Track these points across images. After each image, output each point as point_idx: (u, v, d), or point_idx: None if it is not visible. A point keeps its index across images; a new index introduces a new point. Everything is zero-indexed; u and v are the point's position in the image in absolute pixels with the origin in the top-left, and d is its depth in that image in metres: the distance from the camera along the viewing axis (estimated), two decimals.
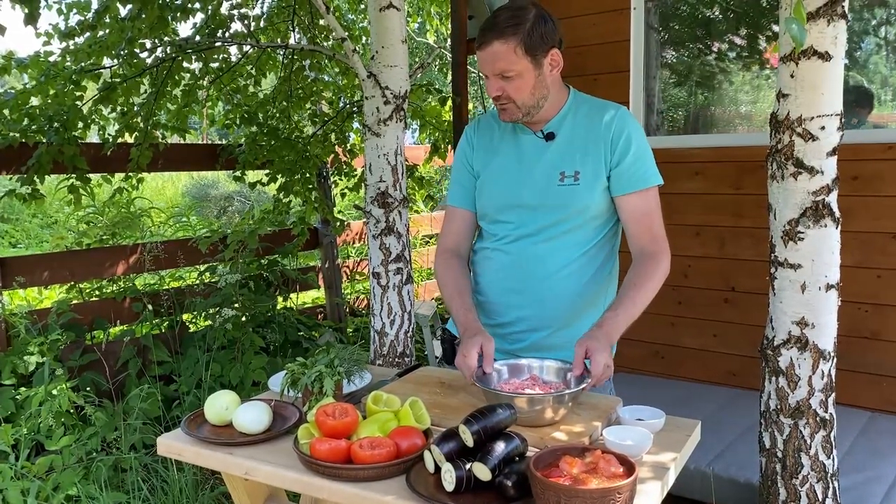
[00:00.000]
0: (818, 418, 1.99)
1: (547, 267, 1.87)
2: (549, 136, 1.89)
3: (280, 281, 4.59)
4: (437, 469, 1.36)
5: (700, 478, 2.47)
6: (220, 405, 1.67)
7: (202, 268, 4.25)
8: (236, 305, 3.77)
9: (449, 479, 1.31)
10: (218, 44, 3.90)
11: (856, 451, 2.61)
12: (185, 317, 4.23)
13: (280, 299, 4.62)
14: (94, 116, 3.95)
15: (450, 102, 4.41)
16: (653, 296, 1.82)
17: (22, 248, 10.02)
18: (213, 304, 3.78)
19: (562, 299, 1.87)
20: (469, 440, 1.37)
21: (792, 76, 1.92)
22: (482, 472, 1.30)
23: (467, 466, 1.31)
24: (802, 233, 1.96)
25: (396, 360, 2.92)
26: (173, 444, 1.63)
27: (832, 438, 2.01)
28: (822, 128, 1.93)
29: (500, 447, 1.35)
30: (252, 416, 1.62)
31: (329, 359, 1.69)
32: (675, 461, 1.51)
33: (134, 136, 4.04)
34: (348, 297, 5.66)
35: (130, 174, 4.04)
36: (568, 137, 1.87)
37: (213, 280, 4.07)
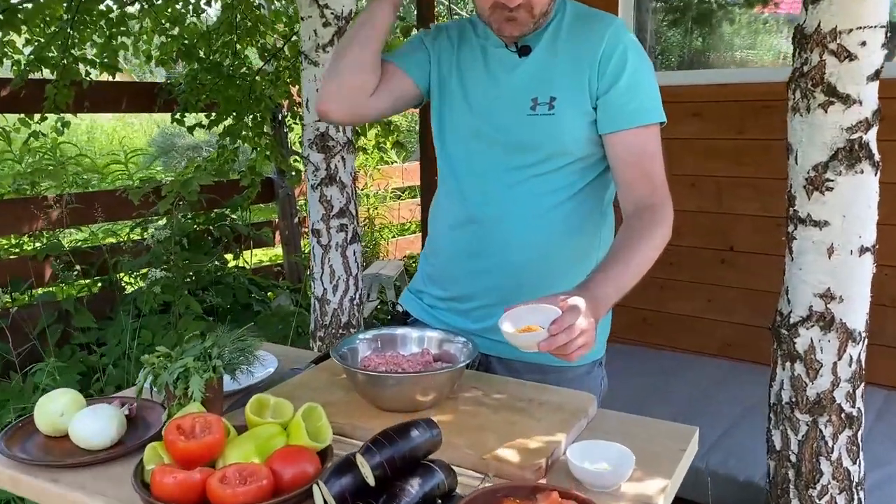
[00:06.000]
0: (843, 415, 1.58)
1: (516, 220, 1.44)
2: (524, 51, 1.44)
3: (231, 237, 4.14)
4: None
5: (693, 474, 2.09)
6: (54, 409, 1.24)
7: (139, 222, 3.78)
8: (166, 266, 3.32)
9: None
10: None
11: (874, 440, 2.23)
12: (124, 278, 3.79)
13: (230, 257, 4.17)
14: (6, 49, 3.44)
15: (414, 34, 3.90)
16: (651, 261, 1.37)
17: None
18: (141, 264, 3.33)
19: (537, 262, 1.43)
20: (369, 477, 0.94)
21: None
22: None
23: None
24: (832, 181, 1.53)
25: (340, 331, 2.51)
26: None
27: (859, 439, 1.62)
28: (863, 43, 1.48)
29: (414, 487, 0.93)
30: (94, 425, 1.20)
31: (202, 347, 1.26)
32: (666, 492, 1.11)
33: (55, 72, 3.53)
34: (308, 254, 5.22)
35: (48, 115, 3.53)
36: (546, 54, 1.43)
37: (148, 237, 3.61)
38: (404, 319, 1.67)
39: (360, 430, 1.23)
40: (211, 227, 4.04)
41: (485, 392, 1.38)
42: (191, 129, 3.89)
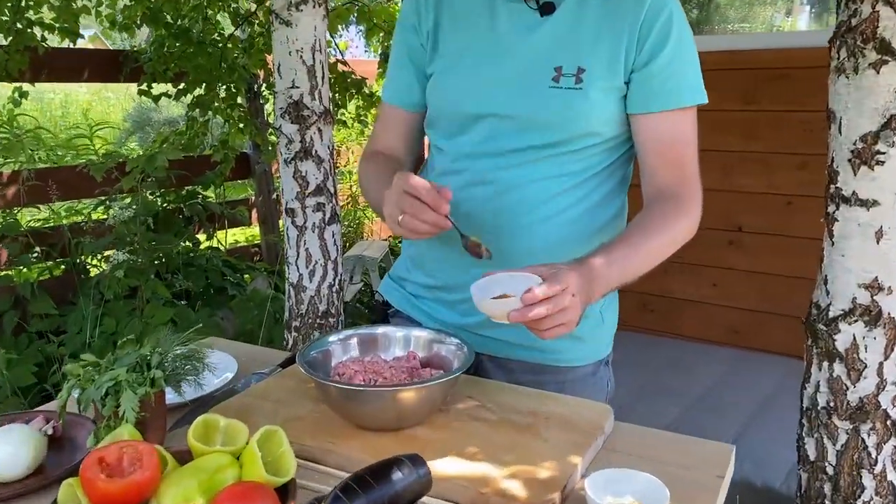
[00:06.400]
0: (889, 422, 1.39)
1: (519, 202, 1.23)
2: (547, 8, 1.20)
3: (204, 216, 3.88)
4: None
5: None
6: None
7: (101, 201, 3.51)
8: (130, 248, 3.07)
9: None
10: None
11: None
12: (89, 261, 3.53)
13: (203, 237, 3.92)
14: None
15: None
16: (664, 254, 1.21)
17: None
18: (103, 245, 3.08)
19: (541, 250, 1.23)
20: None
21: None
22: None
23: None
24: (883, 153, 1.32)
25: (318, 321, 2.28)
26: None
27: None
28: None
29: None
30: (2, 451, 0.98)
31: (138, 355, 1.03)
32: None
33: (7, 36, 3.24)
34: None
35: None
36: (574, 13, 1.20)
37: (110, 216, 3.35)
38: (384, 310, 1.46)
39: (334, 455, 1.02)
40: (182, 206, 3.78)
41: (481, 402, 1.16)
42: (156, 100, 3.61)
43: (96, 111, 11.71)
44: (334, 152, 2.32)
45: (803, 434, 1.49)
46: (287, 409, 1.13)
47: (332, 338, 1.20)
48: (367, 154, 1.41)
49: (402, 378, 1.11)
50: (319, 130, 2.24)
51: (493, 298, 1.04)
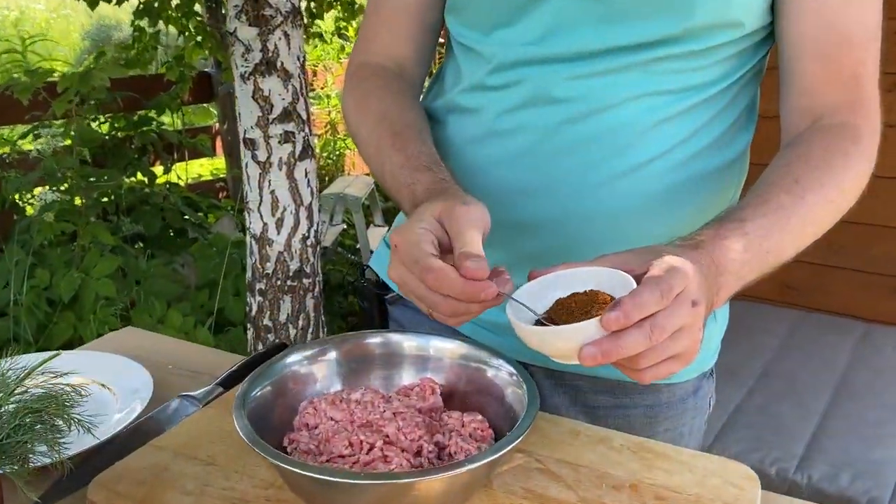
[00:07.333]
0: None
1: (610, 133, 0.77)
2: None
3: (160, 146, 3.35)
4: None
5: (787, 491, 1.49)
6: None
7: (33, 127, 2.96)
8: (64, 186, 2.56)
9: None
10: None
11: None
12: (22, 199, 3.02)
13: (159, 171, 3.40)
14: None
15: None
16: (829, 222, 0.74)
17: None
18: (31, 182, 2.57)
19: (634, 216, 0.78)
20: None
21: None
22: None
23: None
24: None
25: (289, 282, 1.82)
26: None
27: None
28: None
29: None
30: None
31: None
32: None
33: None
34: None
35: None
36: None
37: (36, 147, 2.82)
38: (380, 295, 1.00)
39: None
40: (132, 134, 3.24)
41: (541, 462, 0.71)
42: (92, 5, 3.02)
43: (55, 30, 10.90)
44: (306, 65, 1.81)
45: None
46: (223, 483, 0.67)
47: (294, 357, 0.73)
48: (355, 69, 0.91)
49: (416, 434, 0.65)
50: (286, 35, 1.72)
51: (544, 321, 0.59)
